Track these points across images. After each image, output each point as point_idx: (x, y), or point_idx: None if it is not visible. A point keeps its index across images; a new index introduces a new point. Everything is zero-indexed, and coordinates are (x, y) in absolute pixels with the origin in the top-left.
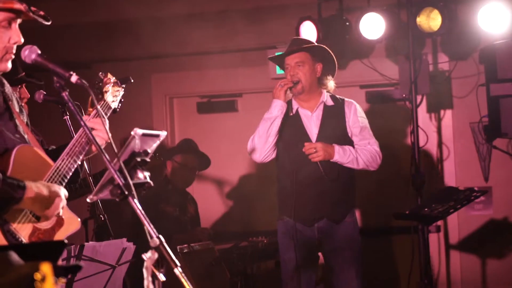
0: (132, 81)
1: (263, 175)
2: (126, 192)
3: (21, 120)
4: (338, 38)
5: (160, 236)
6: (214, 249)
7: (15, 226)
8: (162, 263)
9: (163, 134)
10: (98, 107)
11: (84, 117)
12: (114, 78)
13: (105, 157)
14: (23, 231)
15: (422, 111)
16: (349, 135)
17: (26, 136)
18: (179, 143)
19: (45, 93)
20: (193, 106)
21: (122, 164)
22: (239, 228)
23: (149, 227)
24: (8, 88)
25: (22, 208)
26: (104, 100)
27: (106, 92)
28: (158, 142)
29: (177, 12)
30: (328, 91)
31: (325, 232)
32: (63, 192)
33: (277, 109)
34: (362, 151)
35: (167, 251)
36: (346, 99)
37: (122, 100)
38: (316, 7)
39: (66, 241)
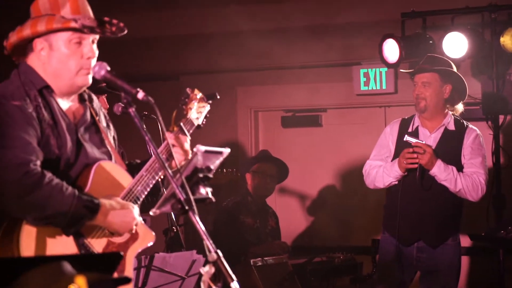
0: (219, 97)
1: (345, 190)
2: (187, 207)
3: (107, 135)
4: (421, 56)
5: (218, 251)
6: (287, 263)
7: (89, 240)
8: (219, 277)
9: (226, 151)
10: (180, 124)
11: (167, 134)
12: (200, 94)
13: (168, 172)
14: (98, 244)
15: (504, 132)
16: (462, 163)
17: (111, 151)
18: (256, 155)
19: (123, 105)
20: (278, 120)
21: (184, 180)
22: (319, 242)
23: (207, 241)
24: (96, 103)
25: (95, 224)
26: (187, 118)
27: (190, 108)
28: (221, 159)
29: (264, 26)
30: (454, 114)
31: (424, 252)
32: (136, 211)
33: (394, 175)
34: (465, 176)
35: (224, 266)
36: (470, 126)
37: (208, 115)
38: (400, 25)
39: (122, 253)
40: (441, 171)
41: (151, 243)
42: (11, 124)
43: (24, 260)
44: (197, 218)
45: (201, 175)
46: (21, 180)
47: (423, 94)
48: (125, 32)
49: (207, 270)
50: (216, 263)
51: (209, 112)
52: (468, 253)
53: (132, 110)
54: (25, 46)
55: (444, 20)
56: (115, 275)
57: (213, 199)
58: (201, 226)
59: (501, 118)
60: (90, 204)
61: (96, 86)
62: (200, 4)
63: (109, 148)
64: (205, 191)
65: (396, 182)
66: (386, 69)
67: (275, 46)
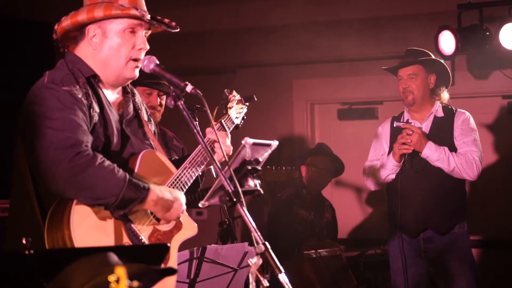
0: (256, 99)
1: None
2: (235, 199)
3: (149, 128)
4: (477, 48)
5: (266, 243)
6: (341, 256)
7: (137, 226)
8: (267, 268)
9: (274, 144)
10: (222, 121)
11: (208, 128)
12: (239, 95)
13: (216, 164)
14: (144, 231)
15: None
16: (455, 145)
17: (153, 144)
18: (314, 147)
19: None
20: (334, 112)
21: (232, 172)
22: (373, 235)
23: (255, 233)
24: (138, 97)
25: (144, 209)
26: (228, 115)
27: (230, 108)
28: (269, 151)
29: (321, 19)
30: (441, 102)
31: (431, 242)
32: (183, 198)
33: (390, 167)
34: (458, 155)
35: (272, 257)
36: (459, 110)
37: (245, 117)
38: (456, 16)
39: (169, 244)
40: (432, 152)
41: (194, 234)
42: (62, 108)
43: (71, 251)
44: (245, 210)
45: (249, 167)
46: (73, 160)
47: (410, 87)
48: (177, 29)
49: (255, 262)
50: (263, 255)
51: (266, 104)
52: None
53: (180, 103)
54: (75, 33)
55: (501, 11)
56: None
57: (261, 191)
58: (249, 218)
59: None
60: (141, 187)
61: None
62: None
63: (151, 141)
64: (254, 183)
65: (394, 176)
66: (442, 60)
67: (331, 38)
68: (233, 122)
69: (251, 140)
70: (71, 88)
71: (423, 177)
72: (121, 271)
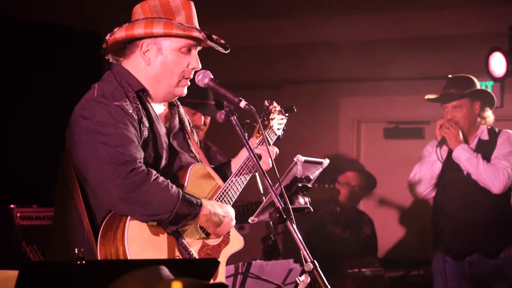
0: (295, 110)
1: None
2: (285, 216)
3: (194, 140)
4: None
5: (315, 261)
6: (384, 276)
7: (187, 240)
8: (315, 287)
9: (326, 162)
10: (265, 133)
11: (250, 140)
12: (279, 106)
13: (267, 181)
14: (194, 245)
15: None
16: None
17: (198, 156)
18: (346, 164)
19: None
20: (380, 131)
21: (283, 189)
22: (415, 255)
23: (304, 251)
24: (181, 109)
25: (196, 224)
26: (271, 127)
27: (272, 119)
28: (321, 169)
29: (368, 37)
30: (487, 125)
31: (477, 266)
32: (233, 213)
33: (434, 156)
34: (488, 164)
35: (320, 276)
36: (504, 130)
37: (285, 128)
38: (507, 38)
39: (219, 259)
40: (464, 152)
41: (240, 247)
42: (114, 123)
43: (122, 263)
44: (295, 227)
45: (300, 184)
46: (128, 177)
47: (456, 117)
48: (228, 50)
49: (303, 280)
50: (312, 273)
51: (311, 122)
52: None
53: (234, 118)
54: (125, 45)
55: None
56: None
57: (311, 209)
58: (298, 236)
59: None
60: (194, 203)
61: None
62: (303, 14)
63: (196, 154)
64: (304, 200)
65: (441, 163)
66: (492, 82)
67: (379, 57)
68: (275, 134)
69: (302, 158)
70: (122, 102)
71: (470, 197)
72: (177, 285)
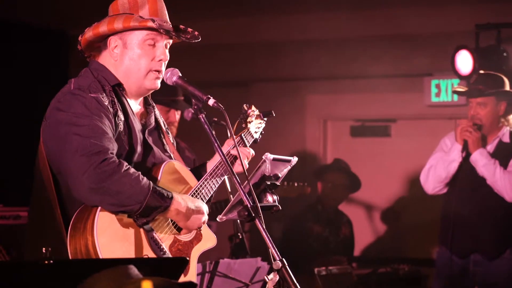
0: (274, 115)
1: (413, 201)
2: (253, 214)
3: (169, 139)
4: (494, 69)
5: (283, 259)
6: (352, 274)
7: (159, 235)
8: (283, 285)
9: (294, 159)
10: (242, 135)
11: (228, 140)
12: (257, 110)
13: (236, 179)
14: (165, 240)
15: None
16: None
17: (173, 155)
18: (331, 163)
19: (193, 111)
20: (347, 129)
21: (251, 187)
22: (384, 253)
23: (273, 249)
24: (157, 110)
25: (167, 217)
26: (248, 129)
27: (250, 122)
28: (289, 167)
29: (335, 35)
30: (510, 127)
31: (480, 265)
32: (205, 208)
33: (455, 152)
34: (504, 171)
35: (289, 274)
36: None
37: (263, 132)
38: (474, 36)
39: (188, 258)
40: (482, 157)
41: (213, 245)
42: (88, 115)
43: (91, 262)
44: (263, 225)
45: (268, 182)
46: (99, 167)
47: (479, 114)
48: (199, 39)
49: (271, 278)
50: (281, 271)
51: (278, 120)
52: None
53: (202, 116)
54: (99, 43)
55: None
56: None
57: (280, 207)
58: (267, 234)
59: None
60: (165, 196)
61: (171, 98)
62: (272, 12)
63: (171, 153)
64: (272, 198)
65: (458, 163)
66: (457, 80)
67: (345, 55)
68: (252, 137)
69: (271, 156)
70: (98, 95)
71: (478, 197)
72: (147, 285)
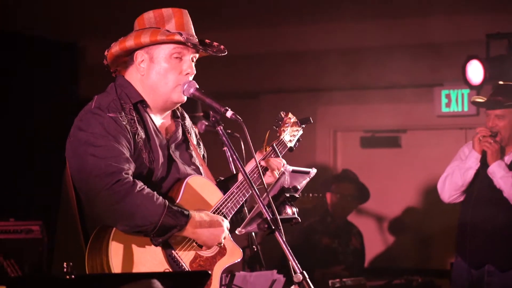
0: (312, 122)
1: (424, 211)
2: (273, 227)
3: (198, 152)
4: (506, 78)
5: (304, 272)
6: (366, 285)
7: (178, 252)
8: None
9: (313, 171)
10: (273, 145)
11: (257, 153)
12: (294, 118)
13: (255, 191)
14: (186, 257)
15: None
16: None
17: (201, 168)
18: (339, 174)
19: (206, 123)
20: (357, 140)
21: (271, 199)
22: (397, 264)
23: (293, 262)
24: (188, 121)
25: (184, 235)
26: (281, 139)
27: (283, 131)
28: (308, 179)
29: (343, 46)
30: None
31: (495, 276)
32: (226, 224)
33: (472, 160)
34: None
35: (310, 287)
36: None
37: (300, 139)
38: (485, 46)
39: (210, 272)
40: (500, 169)
41: (238, 259)
42: (105, 135)
43: (115, 276)
44: (283, 238)
45: (287, 194)
46: (112, 188)
47: (497, 126)
48: (225, 53)
49: None
50: (301, 284)
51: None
52: None
53: (220, 128)
54: (125, 58)
55: None
56: None
57: (299, 220)
58: (287, 246)
59: None
60: (180, 215)
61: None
62: (281, 23)
63: (199, 166)
64: (292, 211)
65: (474, 171)
66: (468, 90)
67: (356, 65)
68: (285, 146)
69: (290, 167)
70: (117, 114)
71: (493, 208)
72: None
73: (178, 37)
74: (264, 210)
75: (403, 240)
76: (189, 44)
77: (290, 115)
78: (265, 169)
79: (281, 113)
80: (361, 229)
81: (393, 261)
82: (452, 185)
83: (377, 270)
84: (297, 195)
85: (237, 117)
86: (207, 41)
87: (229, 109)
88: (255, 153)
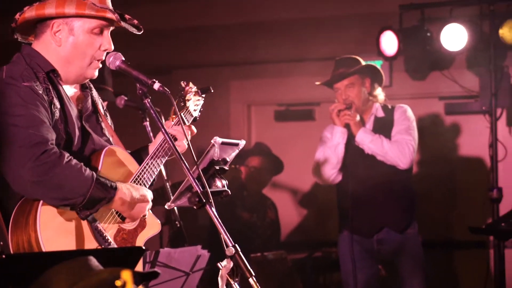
0: (212, 91)
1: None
2: (204, 200)
3: (107, 123)
4: (418, 49)
5: (236, 245)
6: (287, 259)
7: (102, 225)
8: (237, 272)
9: (242, 143)
10: (181, 114)
11: (166, 123)
12: (195, 87)
13: (184, 165)
14: (109, 230)
15: (501, 125)
16: (391, 136)
17: (111, 139)
18: (252, 148)
19: (126, 98)
20: (271, 114)
21: (201, 172)
22: (313, 237)
23: (225, 236)
24: (95, 92)
25: (111, 208)
26: (187, 108)
27: (188, 100)
28: (237, 151)
29: (258, 19)
30: (379, 103)
31: (384, 243)
32: (150, 195)
33: (339, 135)
34: (391, 141)
35: (242, 260)
36: (397, 105)
37: (202, 109)
38: (398, 17)
39: (144, 247)
40: (367, 134)
41: (157, 232)
42: (23, 104)
43: (47, 255)
44: (215, 211)
45: (217, 167)
46: (40, 159)
47: (350, 97)
48: (142, 31)
49: (225, 265)
50: (234, 257)
51: (202, 105)
52: (461, 246)
53: (147, 101)
54: (35, 25)
55: (442, 12)
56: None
57: (229, 192)
58: (218, 220)
59: (498, 111)
60: (108, 187)
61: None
62: None
63: (110, 136)
64: (221, 183)
65: (343, 145)
66: (380, 62)
67: (267, 39)
68: (191, 115)
69: (220, 139)
70: (32, 83)
71: (371, 176)
72: (127, 275)
73: (110, 15)
74: (194, 184)
75: (316, 213)
76: (121, 23)
77: (191, 84)
78: (174, 139)
79: (182, 83)
80: (276, 203)
81: (308, 234)
82: (328, 163)
83: (294, 244)
84: (226, 168)
85: (164, 89)
86: (127, 16)
87: (157, 81)
88: (164, 123)
